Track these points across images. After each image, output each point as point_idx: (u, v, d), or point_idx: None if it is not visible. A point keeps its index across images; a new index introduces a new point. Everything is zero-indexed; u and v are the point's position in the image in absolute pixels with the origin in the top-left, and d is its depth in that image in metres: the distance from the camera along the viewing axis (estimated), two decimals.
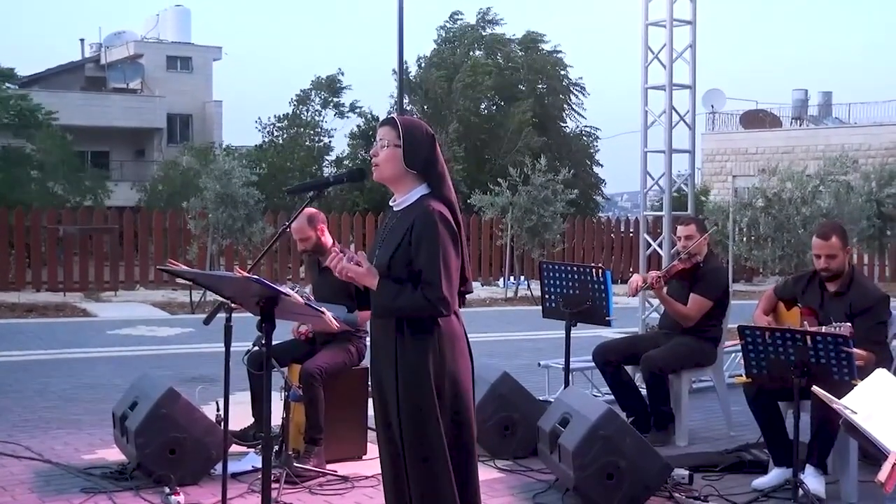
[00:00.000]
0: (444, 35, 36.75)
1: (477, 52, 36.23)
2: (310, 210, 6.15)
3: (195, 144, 33.59)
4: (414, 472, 3.67)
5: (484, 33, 36.65)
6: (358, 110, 36.12)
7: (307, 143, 35.28)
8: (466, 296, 3.88)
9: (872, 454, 2.89)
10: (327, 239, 6.34)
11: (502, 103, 35.11)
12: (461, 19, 36.90)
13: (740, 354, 5.54)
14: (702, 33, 9.50)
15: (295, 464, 5.70)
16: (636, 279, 6.99)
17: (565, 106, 37.49)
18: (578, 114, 37.58)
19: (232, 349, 4.55)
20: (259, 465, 4.36)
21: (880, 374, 3.12)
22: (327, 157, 36.00)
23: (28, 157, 27.40)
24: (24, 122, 27.76)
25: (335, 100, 36.24)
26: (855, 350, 5.08)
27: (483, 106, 35.30)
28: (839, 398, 3.08)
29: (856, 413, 2.83)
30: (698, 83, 9.33)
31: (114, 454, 6.11)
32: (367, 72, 54.97)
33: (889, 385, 3.05)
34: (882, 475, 2.63)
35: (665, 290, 6.79)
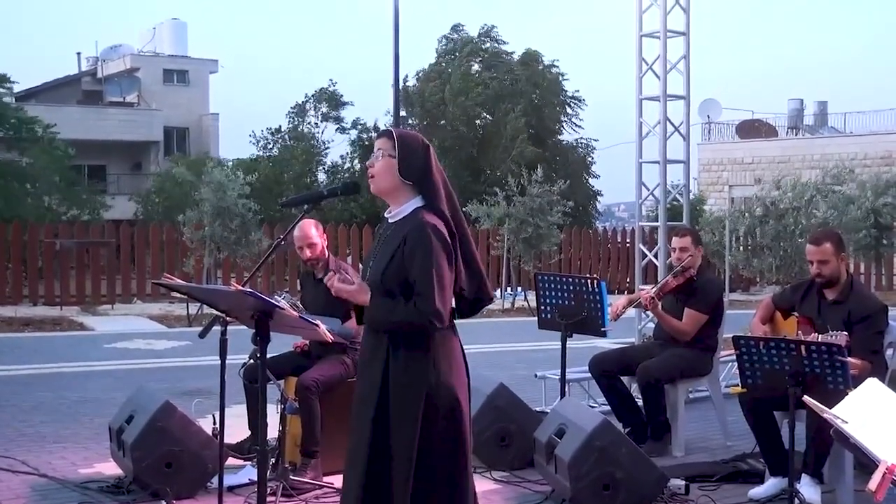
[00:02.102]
0: (445, 46, 36.80)
1: (475, 66, 36.25)
2: (312, 220, 6.25)
3: (189, 157, 33.66)
4: (397, 488, 3.65)
5: (484, 47, 36.68)
6: (360, 126, 36.22)
7: (303, 155, 35.33)
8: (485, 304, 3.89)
9: (865, 463, 2.90)
10: (324, 250, 6.38)
11: (499, 114, 35.15)
12: (463, 30, 36.96)
13: (736, 364, 5.56)
14: (697, 43, 9.53)
15: (291, 476, 5.71)
16: (619, 304, 6.91)
17: (562, 118, 37.50)
18: (576, 125, 37.63)
19: (228, 362, 4.56)
20: (255, 478, 4.37)
21: (871, 383, 3.13)
22: (322, 169, 36.11)
23: (24, 171, 27.40)
24: (19, 135, 27.77)
25: (335, 114, 36.36)
26: (850, 359, 5.09)
27: (479, 117, 35.32)
28: (833, 407, 3.09)
29: (847, 422, 2.85)
30: (693, 93, 9.36)
31: (110, 468, 6.11)
32: (367, 82, 55.25)
33: (880, 394, 3.07)
34: (873, 483, 2.64)
35: (659, 306, 6.78)
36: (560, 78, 36.93)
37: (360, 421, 3.74)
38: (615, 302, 6.88)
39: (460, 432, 3.71)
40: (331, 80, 37.25)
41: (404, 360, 3.66)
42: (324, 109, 36.33)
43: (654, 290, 6.85)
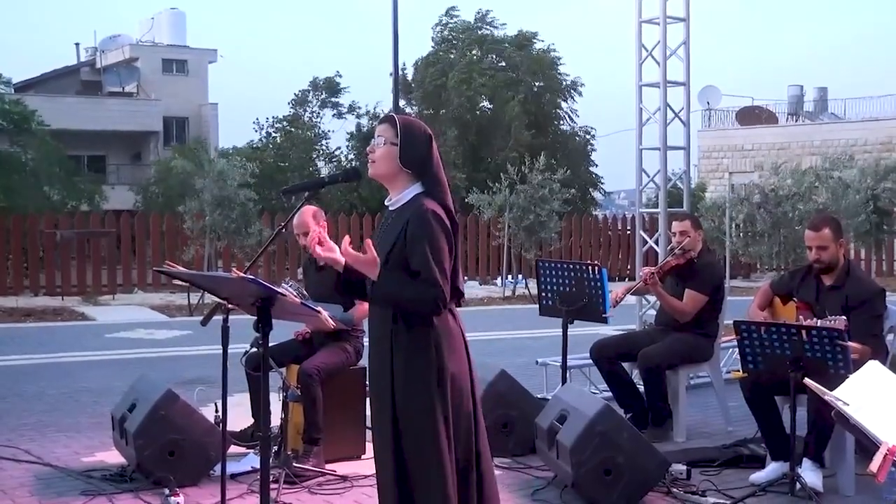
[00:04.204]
0: (440, 33, 36.69)
1: (473, 53, 36.12)
2: (313, 207, 6.24)
3: (186, 147, 33.62)
4: (415, 473, 3.67)
5: (480, 32, 36.55)
6: (356, 111, 36.21)
7: (304, 144, 35.28)
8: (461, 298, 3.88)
9: (867, 446, 2.91)
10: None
11: (498, 103, 35.04)
12: (457, 16, 36.85)
13: (737, 349, 5.57)
14: (697, 30, 9.51)
15: (294, 464, 5.72)
16: (618, 292, 6.91)
17: (562, 105, 37.37)
18: (571, 118, 37.50)
19: (230, 350, 4.56)
20: (258, 465, 4.38)
21: (872, 366, 3.14)
22: (324, 158, 36.06)
23: (24, 162, 27.38)
24: (18, 127, 27.75)
25: (333, 100, 36.33)
26: (850, 343, 5.10)
27: (479, 105, 35.23)
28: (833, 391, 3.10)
29: (847, 404, 2.86)
30: (693, 80, 9.35)
31: (113, 456, 6.13)
32: (366, 72, 55.07)
33: (880, 377, 3.07)
34: (874, 465, 2.65)
35: (659, 284, 6.80)
36: (555, 63, 36.72)
37: (381, 422, 3.75)
38: (615, 290, 6.88)
39: (465, 418, 3.71)
40: (337, 71, 37.27)
41: (405, 342, 3.66)
42: (322, 96, 36.31)
43: (655, 268, 6.88)
